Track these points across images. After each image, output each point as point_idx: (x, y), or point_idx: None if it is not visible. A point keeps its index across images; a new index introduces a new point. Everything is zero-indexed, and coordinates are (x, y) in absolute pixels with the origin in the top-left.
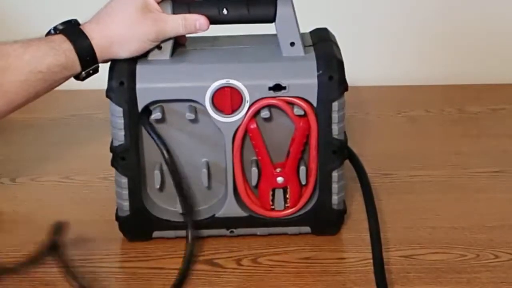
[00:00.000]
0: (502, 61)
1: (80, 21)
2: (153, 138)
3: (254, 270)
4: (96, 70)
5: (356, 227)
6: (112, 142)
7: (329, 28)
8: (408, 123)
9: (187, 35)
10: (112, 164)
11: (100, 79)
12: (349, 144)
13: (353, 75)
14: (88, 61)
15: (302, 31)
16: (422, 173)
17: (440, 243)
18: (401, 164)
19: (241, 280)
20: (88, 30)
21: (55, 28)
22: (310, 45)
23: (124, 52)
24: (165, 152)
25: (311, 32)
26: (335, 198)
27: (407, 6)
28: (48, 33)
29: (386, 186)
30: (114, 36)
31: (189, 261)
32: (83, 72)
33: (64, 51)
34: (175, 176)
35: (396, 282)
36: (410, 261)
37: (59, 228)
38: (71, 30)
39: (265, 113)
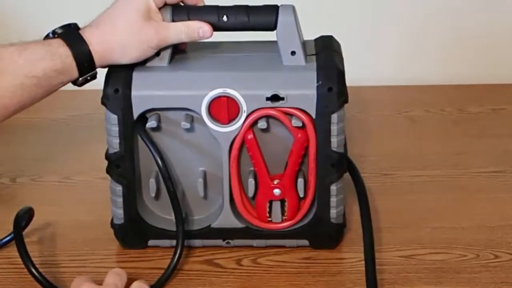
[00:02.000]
0: (502, 61)
1: (80, 22)
2: (147, 146)
3: (254, 270)
4: (94, 77)
5: (356, 227)
6: (107, 150)
7: (329, 27)
8: (408, 123)
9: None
10: (107, 172)
11: (100, 79)
12: (349, 144)
13: (353, 75)
14: (85, 67)
15: (306, 37)
16: (422, 173)
17: (440, 243)
18: (401, 164)
19: (241, 280)
20: (87, 35)
21: (53, 32)
22: (312, 54)
23: (124, 58)
24: (159, 160)
25: (316, 40)
26: (333, 212)
27: (407, 7)
28: (47, 37)
29: (386, 186)
30: (115, 43)
31: (174, 269)
32: (80, 78)
33: (60, 56)
34: (168, 185)
35: (396, 282)
36: (410, 261)
37: (23, 216)
38: (69, 34)
39: (262, 124)
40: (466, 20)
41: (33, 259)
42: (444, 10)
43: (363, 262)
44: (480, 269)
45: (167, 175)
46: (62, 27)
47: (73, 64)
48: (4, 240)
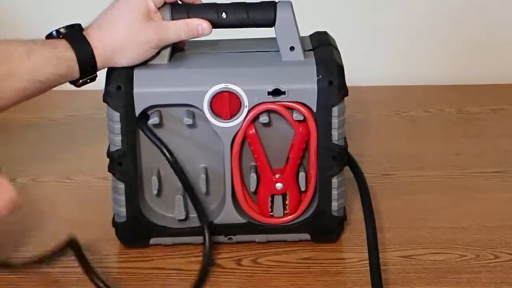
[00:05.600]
0: (502, 61)
1: (79, 20)
2: (152, 141)
3: (254, 270)
4: (93, 79)
5: (356, 227)
6: (109, 147)
7: (329, 28)
8: (408, 123)
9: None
10: (109, 170)
11: (101, 80)
12: (349, 144)
13: (353, 75)
14: (88, 70)
15: (301, 33)
16: (422, 173)
17: (440, 243)
18: (401, 164)
19: (241, 280)
20: (91, 38)
21: (57, 32)
22: (310, 49)
23: (125, 60)
24: (167, 153)
25: (311, 36)
26: (335, 205)
27: (407, 7)
28: (50, 35)
29: (386, 186)
30: (116, 45)
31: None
32: (80, 80)
33: (66, 60)
34: (181, 177)
35: (396, 282)
36: (410, 261)
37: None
38: (75, 36)
39: (264, 118)
40: (466, 20)
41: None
42: (443, 10)
43: (364, 262)
44: (480, 269)
45: (177, 168)
46: (66, 27)
47: (76, 67)
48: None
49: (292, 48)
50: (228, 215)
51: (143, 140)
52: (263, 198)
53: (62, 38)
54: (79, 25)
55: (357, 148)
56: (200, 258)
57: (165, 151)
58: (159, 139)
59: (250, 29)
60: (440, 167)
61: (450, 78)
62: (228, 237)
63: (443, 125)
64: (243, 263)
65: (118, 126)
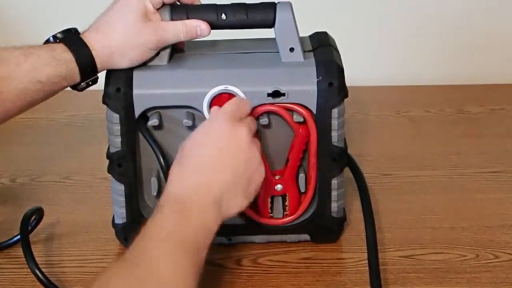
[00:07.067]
0: (502, 61)
1: (79, 24)
2: (149, 143)
3: (254, 270)
4: (95, 81)
5: (356, 227)
6: (108, 149)
7: (329, 28)
8: (408, 123)
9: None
10: (109, 171)
11: (101, 80)
12: (349, 144)
13: (353, 75)
14: (88, 72)
15: (301, 33)
16: (422, 173)
17: (440, 243)
18: (401, 164)
19: (241, 280)
20: (89, 40)
21: (54, 37)
22: (309, 50)
23: (125, 62)
24: (160, 157)
25: (310, 36)
26: (334, 206)
27: (407, 6)
28: (47, 41)
29: (386, 186)
30: (114, 47)
31: None
32: (82, 83)
33: (65, 62)
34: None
35: (396, 282)
36: (410, 261)
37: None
38: (72, 39)
39: (264, 120)
40: (466, 19)
41: None
42: (443, 10)
43: (363, 262)
44: (480, 269)
45: (167, 173)
46: (63, 32)
47: (76, 69)
48: (10, 241)
49: (291, 49)
50: None
51: (143, 142)
52: (263, 199)
53: (59, 42)
54: (75, 29)
55: (357, 149)
56: None
57: (158, 154)
58: (155, 141)
59: (250, 30)
60: (440, 167)
61: (450, 78)
62: (228, 238)
63: (443, 125)
64: (243, 263)
65: (117, 128)
